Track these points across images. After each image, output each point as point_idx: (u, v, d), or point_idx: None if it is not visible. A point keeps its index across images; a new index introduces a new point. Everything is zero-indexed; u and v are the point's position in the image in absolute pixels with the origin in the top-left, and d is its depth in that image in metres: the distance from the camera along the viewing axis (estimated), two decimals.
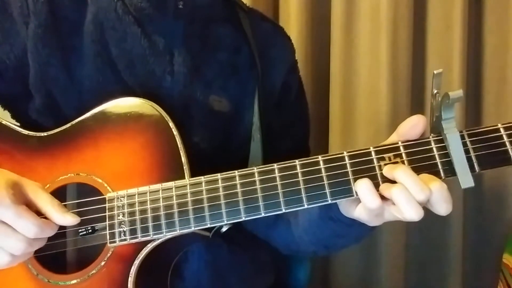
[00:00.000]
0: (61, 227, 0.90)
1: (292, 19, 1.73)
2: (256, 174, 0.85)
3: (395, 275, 1.79)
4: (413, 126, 0.82)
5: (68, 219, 0.85)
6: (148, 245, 0.89)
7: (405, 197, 0.75)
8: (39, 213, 0.84)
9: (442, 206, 0.77)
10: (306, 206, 0.82)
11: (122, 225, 0.88)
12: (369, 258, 1.80)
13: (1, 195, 0.79)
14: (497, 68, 1.86)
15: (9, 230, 0.80)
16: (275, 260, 1.24)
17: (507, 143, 0.79)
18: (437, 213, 0.79)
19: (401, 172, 0.77)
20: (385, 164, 0.81)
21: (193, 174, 0.91)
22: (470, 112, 1.86)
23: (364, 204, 0.80)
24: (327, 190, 0.82)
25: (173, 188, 0.88)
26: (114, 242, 0.88)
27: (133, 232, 0.87)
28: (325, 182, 0.82)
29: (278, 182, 0.84)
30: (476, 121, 1.88)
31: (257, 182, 0.84)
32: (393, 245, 1.77)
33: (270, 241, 1.18)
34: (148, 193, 0.88)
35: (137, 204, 0.88)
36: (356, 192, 0.81)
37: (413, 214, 0.76)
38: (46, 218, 0.84)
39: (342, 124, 1.77)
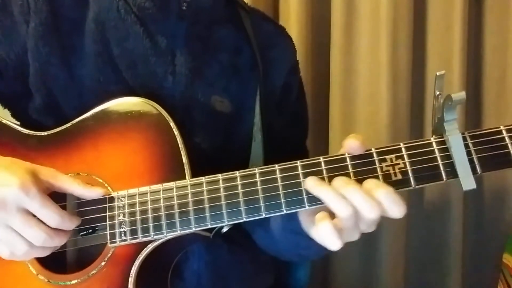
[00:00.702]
0: None
1: (292, 19, 1.74)
2: (257, 175, 0.85)
3: (395, 275, 1.79)
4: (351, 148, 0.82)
5: (98, 192, 0.89)
6: (149, 245, 0.89)
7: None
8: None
9: (395, 210, 0.76)
10: (307, 207, 0.82)
11: (122, 225, 0.88)
12: (369, 258, 1.80)
13: (27, 183, 0.80)
14: (497, 68, 1.86)
15: (32, 219, 0.81)
16: (275, 260, 1.23)
17: (509, 145, 0.79)
18: (392, 218, 0.78)
19: (353, 191, 0.77)
20: (387, 166, 0.81)
21: (193, 174, 0.91)
22: (470, 112, 1.86)
23: (325, 244, 0.79)
24: None
25: (174, 189, 0.88)
26: (115, 242, 0.88)
27: (133, 232, 0.87)
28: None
29: (280, 183, 0.83)
30: (476, 121, 1.88)
31: (258, 183, 0.84)
32: (393, 245, 1.77)
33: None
34: (148, 193, 0.88)
35: (137, 204, 0.88)
36: None
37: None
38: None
39: (342, 124, 1.78)
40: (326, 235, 0.77)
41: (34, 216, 0.82)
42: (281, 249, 1.07)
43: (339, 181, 0.79)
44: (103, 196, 0.89)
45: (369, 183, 0.78)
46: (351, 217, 0.76)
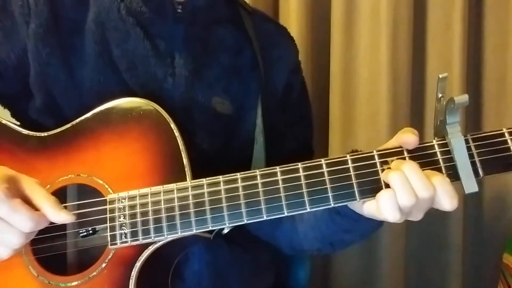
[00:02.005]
0: (62, 228, 0.90)
1: (292, 19, 1.73)
2: (258, 177, 0.85)
3: (395, 275, 1.79)
4: (410, 137, 0.83)
5: (63, 217, 0.84)
6: (150, 247, 0.89)
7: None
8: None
9: (446, 201, 0.78)
10: (308, 210, 0.82)
11: (123, 227, 0.88)
12: (369, 258, 1.80)
13: None
14: (497, 68, 1.86)
15: (4, 224, 0.80)
16: (275, 260, 1.23)
17: None
18: (442, 209, 0.79)
19: (407, 167, 0.78)
20: (389, 168, 0.81)
21: (194, 175, 0.91)
22: (470, 112, 1.86)
23: (382, 214, 0.80)
24: (330, 194, 0.82)
25: (175, 190, 0.87)
26: (115, 244, 0.88)
27: (134, 234, 0.87)
28: (328, 185, 0.82)
29: (281, 185, 0.83)
30: (476, 121, 1.88)
31: (260, 185, 0.84)
32: (393, 245, 1.78)
33: (273, 240, 1.18)
34: (149, 195, 0.88)
35: (138, 206, 0.88)
36: (359, 196, 0.81)
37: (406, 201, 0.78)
38: None
39: (342, 124, 1.77)
40: (387, 205, 0.79)
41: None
42: (316, 237, 1.06)
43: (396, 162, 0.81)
44: (69, 222, 0.86)
45: (427, 170, 0.80)
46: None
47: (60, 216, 0.84)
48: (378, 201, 0.80)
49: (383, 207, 0.79)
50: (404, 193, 0.77)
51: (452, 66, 1.77)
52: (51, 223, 0.85)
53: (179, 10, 1.00)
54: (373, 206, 0.83)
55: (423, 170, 0.80)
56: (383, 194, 0.79)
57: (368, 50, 1.76)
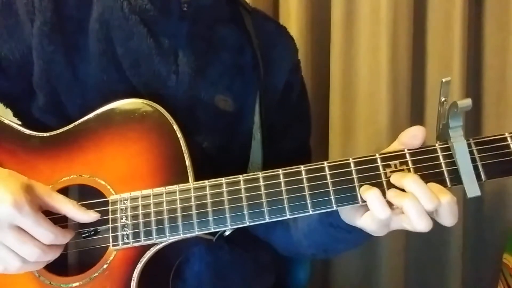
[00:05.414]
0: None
1: (292, 19, 1.73)
2: (261, 179, 0.85)
3: (395, 276, 1.79)
4: (412, 137, 0.82)
5: (92, 216, 0.88)
6: (151, 248, 0.89)
7: (416, 208, 0.75)
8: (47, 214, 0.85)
9: (449, 218, 0.78)
10: (310, 212, 0.82)
11: (125, 228, 0.88)
12: (369, 258, 1.80)
13: (20, 201, 0.80)
14: (497, 68, 1.86)
15: (26, 236, 0.82)
16: (275, 260, 1.24)
17: None
18: (442, 224, 0.79)
19: (411, 181, 0.77)
20: (391, 172, 0.80)
21: (195, 173, 0.91)
22: (470, 113, 1.86)
23: (373, 214, 0.79)
24: (332, 197, 0.82)
25: (177, 192, 0.87)
26: (117, 245, 0.88)
27: (136, 235, 0.87)
28: (330, 188, 0.82)
29: (283, 188, 0.83)
30: (476, 122, 1.87)
31: (262, 187, 0.84)
32: (393, 246, 1.78)
33: (269, 242, 1.18)
34: (151, 197, 0.88)
35: (140, 207, 0.88)
36: (361, 199, 0.81)
37: (423, 225, 0.76)
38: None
39: (342, 124, 1.77)
40: (374, 202, 0.78)
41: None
42: (310, 244, 1.06)
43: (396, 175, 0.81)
44: (97, 219, 0.89)
45: (434, 186, 0.79)
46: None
47: (89, 216, 0.88)
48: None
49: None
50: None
51: (452, 66, 1.77)
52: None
53: (185, 9, 1.00)
54: (368, 219, 0.83)
55: (426, 176, 0.80)
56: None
57: (368, 50, 1.76)
